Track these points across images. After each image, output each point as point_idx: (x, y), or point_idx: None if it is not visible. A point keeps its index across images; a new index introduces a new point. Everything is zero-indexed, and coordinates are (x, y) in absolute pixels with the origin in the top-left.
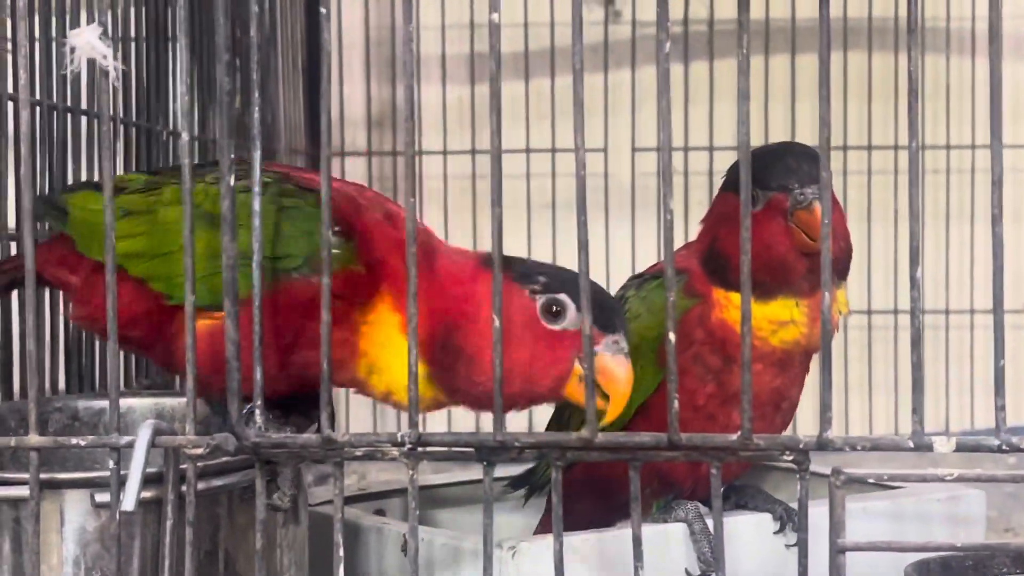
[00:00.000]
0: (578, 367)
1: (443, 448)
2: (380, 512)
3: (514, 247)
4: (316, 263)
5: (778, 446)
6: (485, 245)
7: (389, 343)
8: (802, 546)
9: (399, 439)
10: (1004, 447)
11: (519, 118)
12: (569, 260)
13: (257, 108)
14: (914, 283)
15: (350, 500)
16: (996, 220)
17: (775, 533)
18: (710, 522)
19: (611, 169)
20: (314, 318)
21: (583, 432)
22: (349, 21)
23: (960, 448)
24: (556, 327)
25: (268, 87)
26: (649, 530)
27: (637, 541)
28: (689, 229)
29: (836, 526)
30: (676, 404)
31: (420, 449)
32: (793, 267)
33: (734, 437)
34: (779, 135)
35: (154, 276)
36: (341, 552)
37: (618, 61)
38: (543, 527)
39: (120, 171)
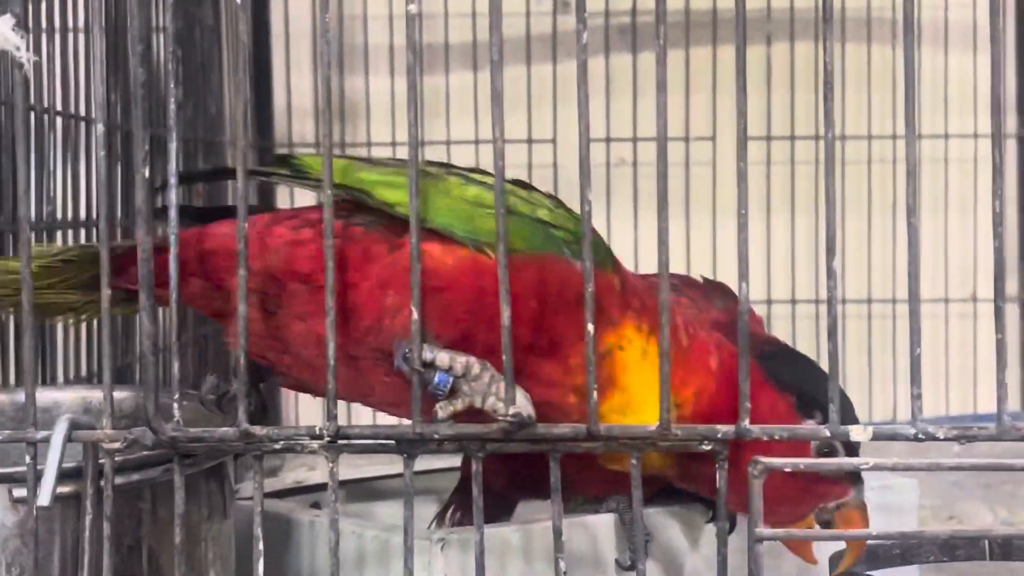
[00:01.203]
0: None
1: (362, 441)
2: (316, 506)
3: None
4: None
5: (696, 436)
6: None
7: (635, 367)
8: (721, 534)
9: (317, 432)
10: (920, 435)
11: (468, 110)
12: None
13: (173, 99)
14: (831, 273)
15: (287, 493)
16: (911, 211)
17: (707, 523)
18: (646, 510)
19: (560, 160)
20: (568, 303)
21: (503, 423)
22: (296, 11)
23: (876, 437)
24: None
25: (211, 79)
26: (579, 520)
27: (557, 533)
28: (639, 221)
29: (754, 515)
30: (595, 395)
31: (339, 442)
32: None
33: (652, 427)
34: (727, 125)
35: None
36: (261, 546)
37: (568, 52)
38: (442, 516)
39: (59, 166)
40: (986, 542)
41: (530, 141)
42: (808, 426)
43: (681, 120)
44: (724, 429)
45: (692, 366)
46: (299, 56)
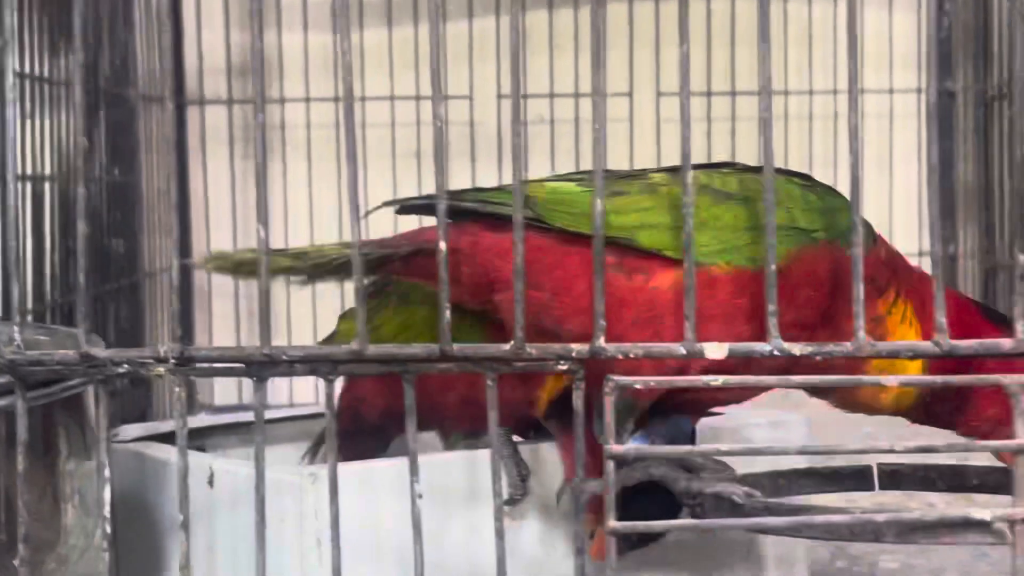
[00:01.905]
0: None
1: (209, 364)
2: (201, 449)
3: (381, 195)
4: (849, 239)
5: (552, 355)
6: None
7: (899, 328)
8: (579, 456)
9: (162, 354)
10: (775, 352)
11: (383, 66)
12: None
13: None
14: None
15: (169, 437)
16: (767, 161)
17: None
18: (523, 448)
19: (477, 117)
20: (837, 288)
21: (353, 344)
22: None
23: (732, 354)
24: None
25: (116, 30)
26: (459, 456)
27: (413, 456)
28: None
29: (607, 433)
30: (448, 314)
31: (187, 365)
32: None
33: (507, 347)
34: (644, 80)
35: (673, 246)
36: (107, 472)
37: (485, 8)
38: (314, 451)
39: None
40: (875, 473)
41: (446, 97)
42: (666, 345)
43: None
44: (578, 348)
45: (927, 311)
46: (210, 11)
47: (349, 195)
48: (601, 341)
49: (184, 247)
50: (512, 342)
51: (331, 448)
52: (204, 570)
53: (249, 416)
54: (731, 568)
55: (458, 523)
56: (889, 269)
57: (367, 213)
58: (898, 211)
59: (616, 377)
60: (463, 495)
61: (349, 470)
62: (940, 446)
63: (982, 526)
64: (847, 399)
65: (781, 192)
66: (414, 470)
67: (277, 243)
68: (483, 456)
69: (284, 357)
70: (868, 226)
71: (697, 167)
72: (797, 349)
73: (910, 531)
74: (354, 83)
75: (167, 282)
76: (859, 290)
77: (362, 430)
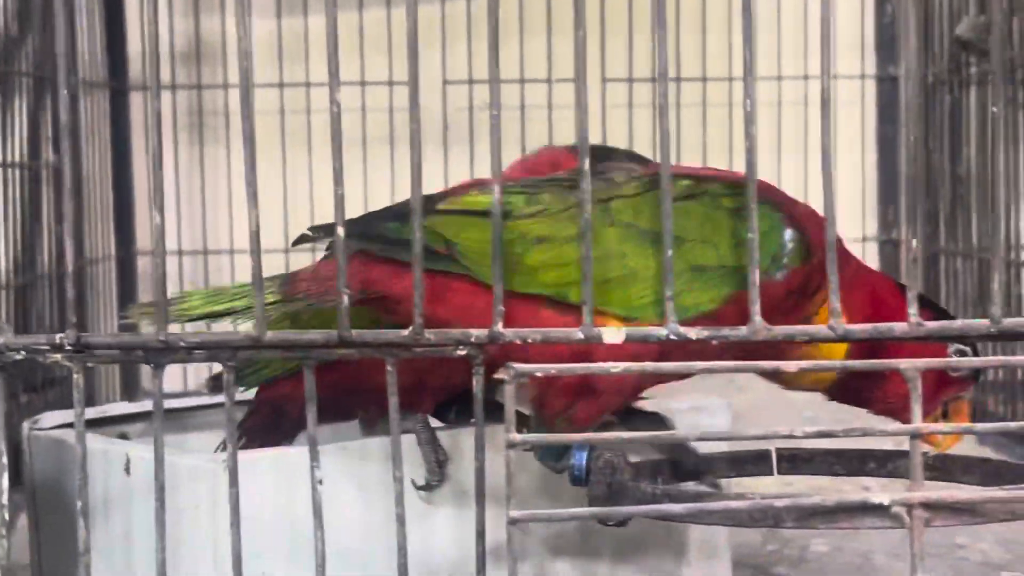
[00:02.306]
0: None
1: (107, 351)
2: (124, 436)
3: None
4: (779, 262)
5: (450, 340)
6: (296, 179)
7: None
8: (479, 441)
9: (58, 341)
10: (671, 336)
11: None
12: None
13: None
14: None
15: (92, 424)
16: (664, 155)
17: (508, 448)
18: (442, 434)
19: (422, 103)
20: (771, 317)
21: (251, 330)
22: None
23: (629, 339)
24: (953, 374)
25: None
26: (377, 442)
27: (312, 442)
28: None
29: (507, 422)
30: (346, 300)
31: (84, 352)
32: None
33: (406, 332)
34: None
35: (608, 302)
36: (4, 459)
37: None
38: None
39: None
40: (773, 458)
41: (391, 83)
42: (563, 330)
43: (544, 62)
44: (477, 333)
45: (857, 297)
46: None
47: (246, 181)
48: (499, 326)
49: (127, 234)
50: (411, 327)
51: (230, 434)
52: (122, 556)
53: (178, 403)
54: (651, 550)
55: (378, 509)
56: (821, 272)
57: (293, 244)
58: (842, 197)
59: (516, 364)
60: (382, 481)
61: (264, 456)
62: (838, 431)
63: (880, 510)
64: (778, 378)
65: (707, 226)
66: (314, 456)
67: (221, 229)
68: (404, 441)
69: (182, 344)
70: (801, 240)
71: (610, 198)
72: (693, 333)
73: (809, 516)
74: (307, 68)
75: (108, 269)
76: (754, 275)
77: (282, 422)
